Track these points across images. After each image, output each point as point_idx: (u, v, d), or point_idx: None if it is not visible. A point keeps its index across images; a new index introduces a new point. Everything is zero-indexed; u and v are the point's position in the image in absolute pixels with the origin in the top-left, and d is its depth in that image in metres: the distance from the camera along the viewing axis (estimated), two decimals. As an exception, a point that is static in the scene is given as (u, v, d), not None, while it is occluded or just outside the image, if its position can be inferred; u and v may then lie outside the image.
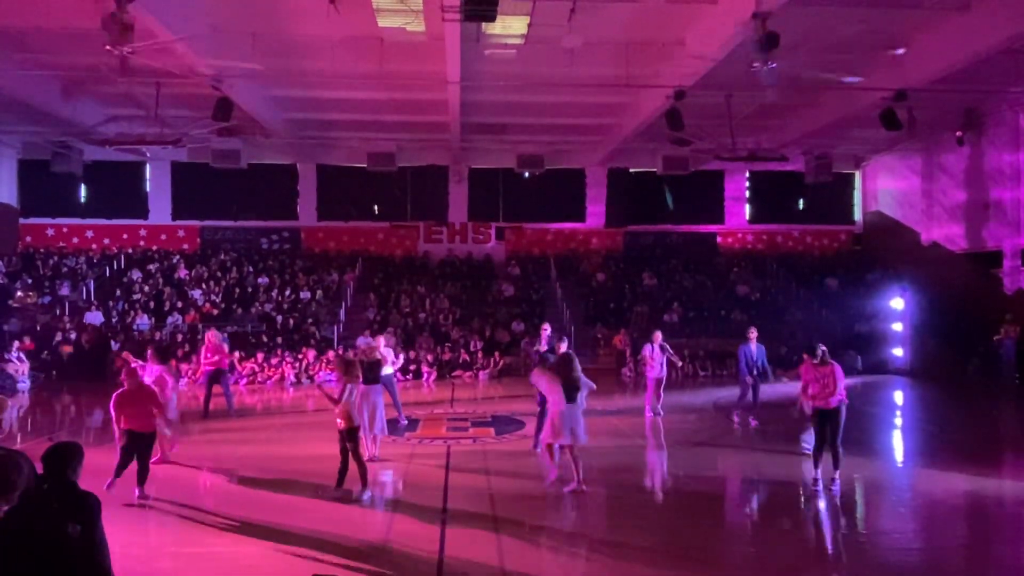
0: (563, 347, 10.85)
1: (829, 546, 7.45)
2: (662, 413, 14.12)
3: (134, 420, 8.38)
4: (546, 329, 13.03)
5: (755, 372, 13.26)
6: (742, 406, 13.73)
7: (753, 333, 13.39)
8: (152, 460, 8.98)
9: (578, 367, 8.97)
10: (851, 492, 9.26)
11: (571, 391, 8.76)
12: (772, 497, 9.25)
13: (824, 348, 9.08)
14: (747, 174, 28.35)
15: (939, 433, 13.71)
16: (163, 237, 27.03)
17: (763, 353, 13.36)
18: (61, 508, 3.75)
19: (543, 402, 10.04)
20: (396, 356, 13.55)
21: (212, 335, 14.43)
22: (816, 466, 9.02)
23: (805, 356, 9.25)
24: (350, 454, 8.68)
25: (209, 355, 14.15)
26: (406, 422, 13.01)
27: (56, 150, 22.79)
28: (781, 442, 12.09)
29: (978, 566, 7.02)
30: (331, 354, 19.26)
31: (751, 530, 8.03)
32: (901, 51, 12.41)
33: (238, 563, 6.77)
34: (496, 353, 21.56)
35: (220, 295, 23.72)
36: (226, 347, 14.72)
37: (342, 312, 23.11)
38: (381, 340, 13.10)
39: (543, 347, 11.97)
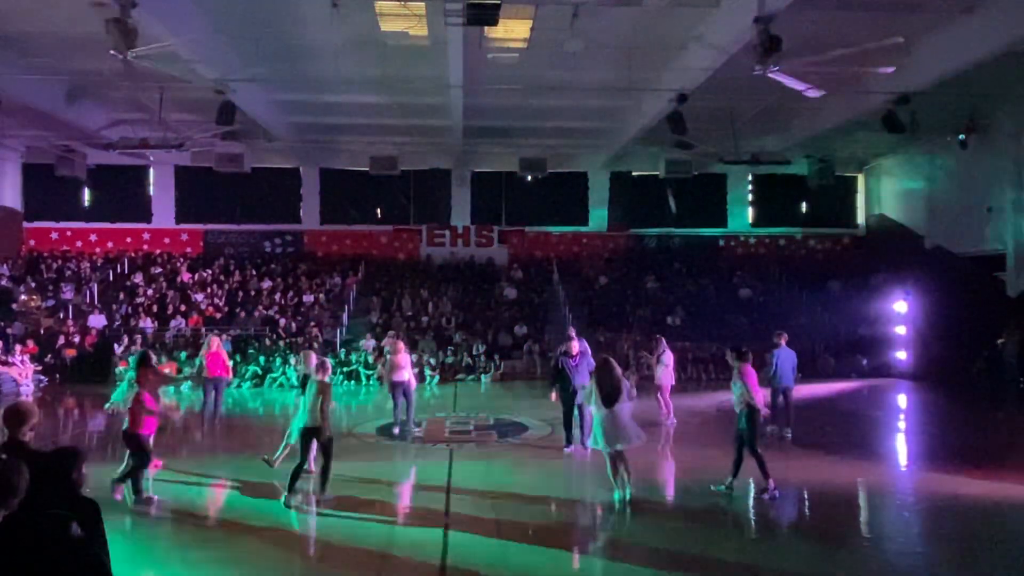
0: (575, 347, 10.94)
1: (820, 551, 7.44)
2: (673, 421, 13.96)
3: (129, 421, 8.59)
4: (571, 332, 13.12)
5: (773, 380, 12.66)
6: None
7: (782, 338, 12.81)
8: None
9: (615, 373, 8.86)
10: (854, 496, 9.26)
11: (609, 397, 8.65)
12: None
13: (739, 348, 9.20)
14: (750, 177, 28.33)
15: (943, 437, 13.68)
16: (166, 241, 27.10)
17: (785, 358, 12.76)
18: (63, 513, 3.75)
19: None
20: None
21: (215, 339, 14.14)
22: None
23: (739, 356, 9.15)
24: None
25: (212, 360, 13.69)
26: (398, 431, 12.73)
27: (60, 154, 22.86)
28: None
29: (981, 570, 6.99)
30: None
31: (744, 538, 8.02)
32: (900, 39, 12.36)
33: (240, 566, 6.77)
34: (498, 356, 21.57)
35: (223, 298, 23.76)
36: (225, 355, 14.46)
37: (345, 315, 23.13)
38: (401, 345, 12.99)
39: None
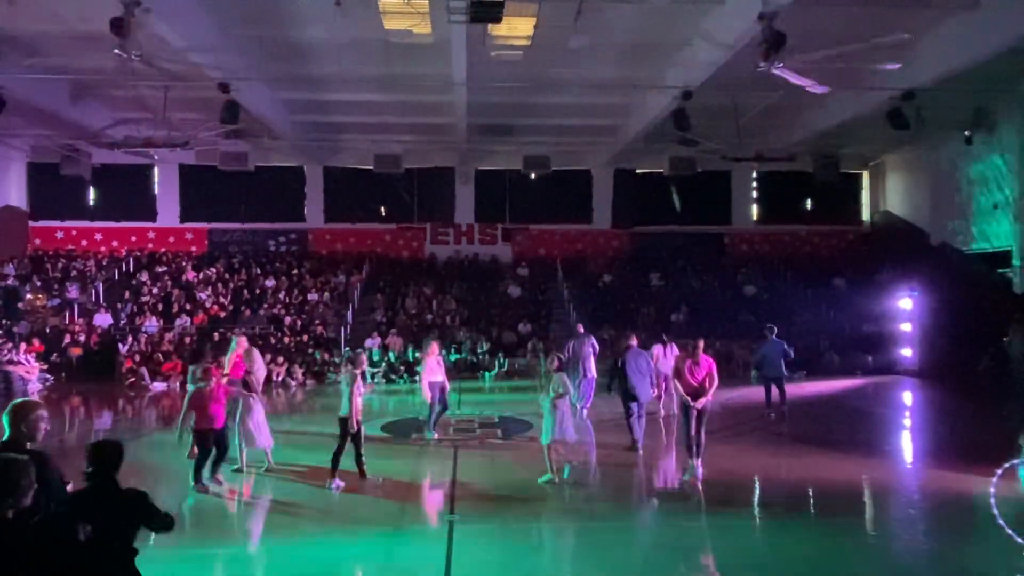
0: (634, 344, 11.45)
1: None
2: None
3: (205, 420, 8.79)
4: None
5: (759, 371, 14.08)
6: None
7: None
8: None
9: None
10: (860, 492, 9.25)
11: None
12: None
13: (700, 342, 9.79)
14: (754, 174, 28.25)
15: (948, 434, 13.64)
16: (171, 239, 27.15)
17: (769, 349, 13.79)
18: (65, 512, 3.78)
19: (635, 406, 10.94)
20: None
21: (244, 340, 13.88)
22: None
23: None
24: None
25: (239, 361, 13.49)
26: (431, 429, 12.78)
27: (65, 153, 22.93)
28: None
29: (986, 567, 6.98)
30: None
31: (747, 534, 8.02)
32: (907, 36, 12.33)
33: (243, 564, 6.79)
34: (502, 354, 21.56)
35: (228, 297, 23.80)
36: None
37: (349, 314, 23.16)
38: (435, 346, 12.89)
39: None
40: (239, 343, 12.85)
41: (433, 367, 12.33)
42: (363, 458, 9.25)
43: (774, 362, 13.72)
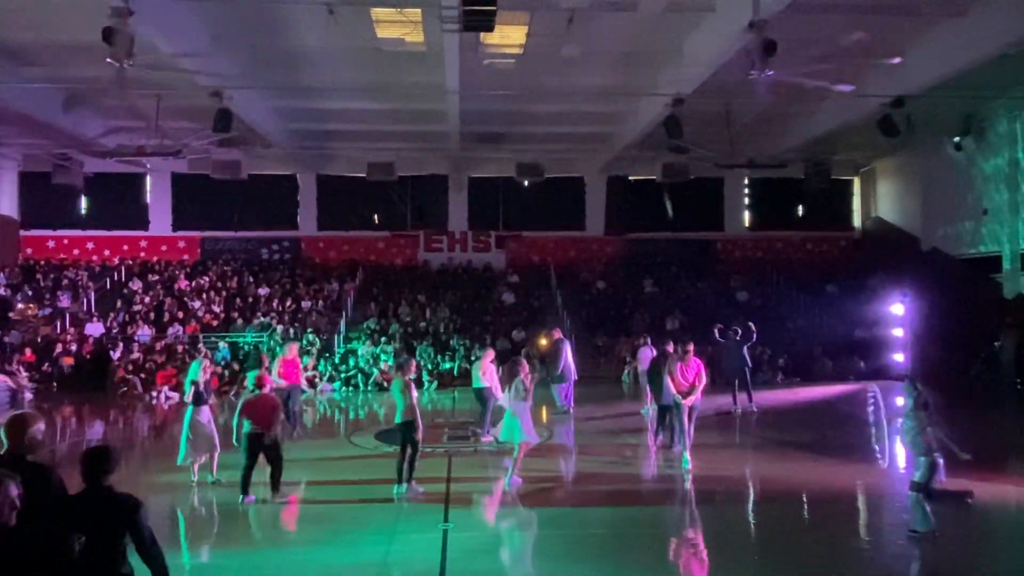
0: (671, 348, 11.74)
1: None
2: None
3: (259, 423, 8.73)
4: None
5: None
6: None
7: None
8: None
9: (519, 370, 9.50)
10: (853, 498, 9.27)
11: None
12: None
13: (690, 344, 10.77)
14: (746, 181, 28.39)
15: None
16: (164, 248, 27.09)
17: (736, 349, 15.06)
18: (61, 525, 3.76)
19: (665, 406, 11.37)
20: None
21: (294, 346, 13.96)
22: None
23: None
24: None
25: (287, 368, 13.15)
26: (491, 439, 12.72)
27: (57, 162, 22.87)
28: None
29: (981, 571, 7.00)
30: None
31: (743, 542, 8.03)
32: (897, 60, 12.53)
33: (238, 573, 6.77)
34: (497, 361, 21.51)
35: (221, 305, 23.73)
36: (299, 361, 14.15)
37: (343, 322, 23.12)
38: (491, 353, 13.12)
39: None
40: (290, 349, 13.62)
41: (493, 371, 12.73)
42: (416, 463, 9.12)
43: (734, 360, 15.09)
